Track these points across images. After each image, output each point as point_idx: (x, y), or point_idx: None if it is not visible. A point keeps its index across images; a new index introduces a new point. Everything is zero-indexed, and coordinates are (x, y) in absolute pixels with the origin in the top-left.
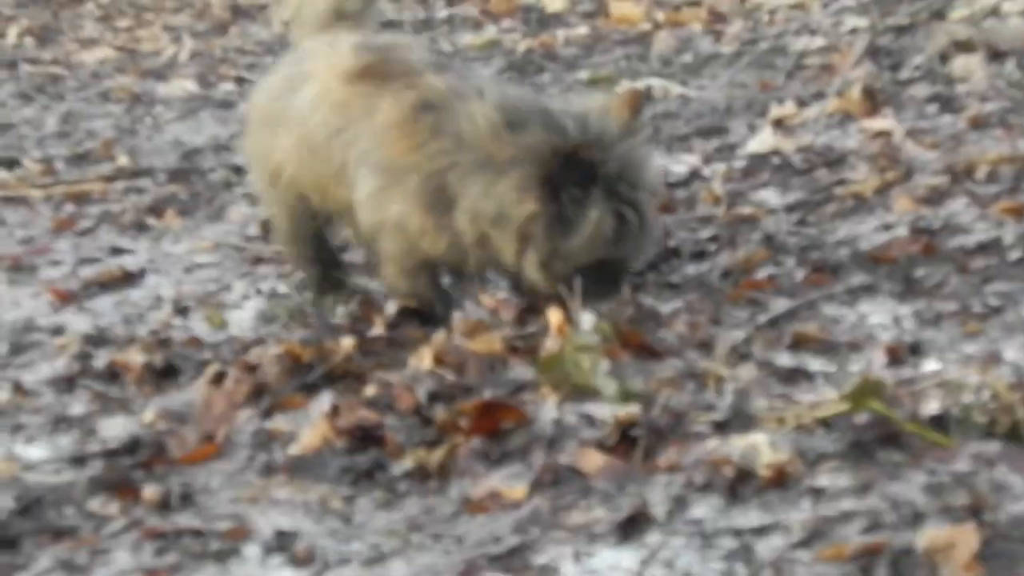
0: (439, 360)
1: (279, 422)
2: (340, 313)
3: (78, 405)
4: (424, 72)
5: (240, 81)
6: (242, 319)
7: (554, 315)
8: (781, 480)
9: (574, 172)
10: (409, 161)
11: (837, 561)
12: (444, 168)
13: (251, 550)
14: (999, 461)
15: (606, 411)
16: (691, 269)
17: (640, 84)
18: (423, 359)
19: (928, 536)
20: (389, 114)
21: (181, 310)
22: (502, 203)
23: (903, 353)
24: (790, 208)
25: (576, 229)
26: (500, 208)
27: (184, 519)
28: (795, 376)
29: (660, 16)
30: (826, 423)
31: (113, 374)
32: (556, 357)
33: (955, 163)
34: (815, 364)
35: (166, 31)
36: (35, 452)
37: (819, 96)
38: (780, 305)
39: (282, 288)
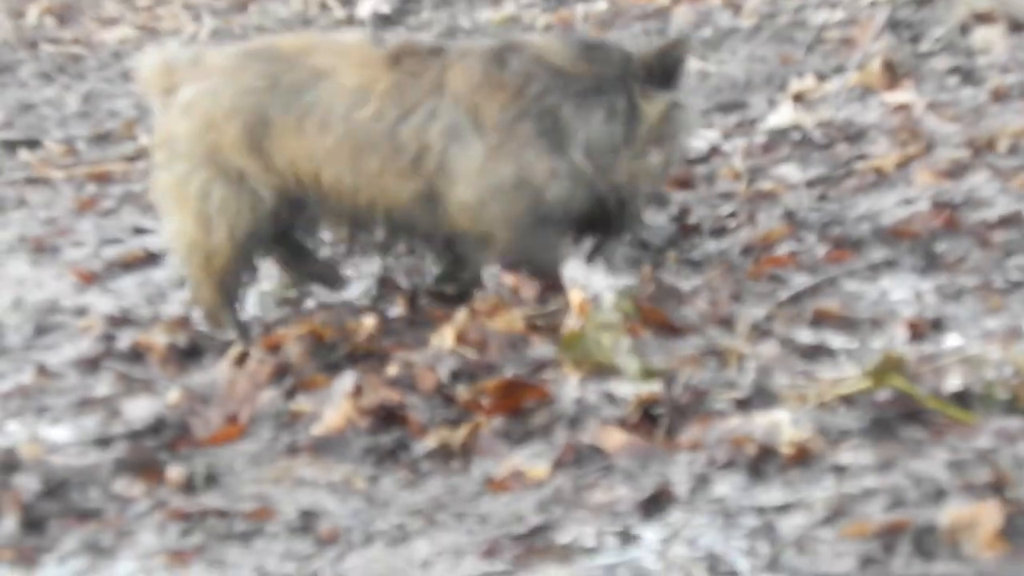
0: (461, 339)
1: (302, 402)
2: (361, 293)
3: (102, 386)
4: (447, 43)
5: None
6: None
7: (575, 293)
8: (803, 457)
9: (660, 75)
10: (514, 110)
11: (860, 538)
12: (556, 103)
13: (275, 530)
14: (1021, 437)
15: (628, 389)
16: (712, 246)
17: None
18: (445, 338)
19: (951, 513)
20: (466, 77)
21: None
22: (633, 113)
23: (925, 329)
24: (811, 183)
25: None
26: (631, 119)
27: (209, 500)
28: (816, 353)
29: None
30: (848, 400)
31: (137, 355)
32: (577, 335)
33: (976, 136)
34: (836, 341)
35: (186, 9)
36: (60, 434)
37: (839, 70)
38: (801, 281)
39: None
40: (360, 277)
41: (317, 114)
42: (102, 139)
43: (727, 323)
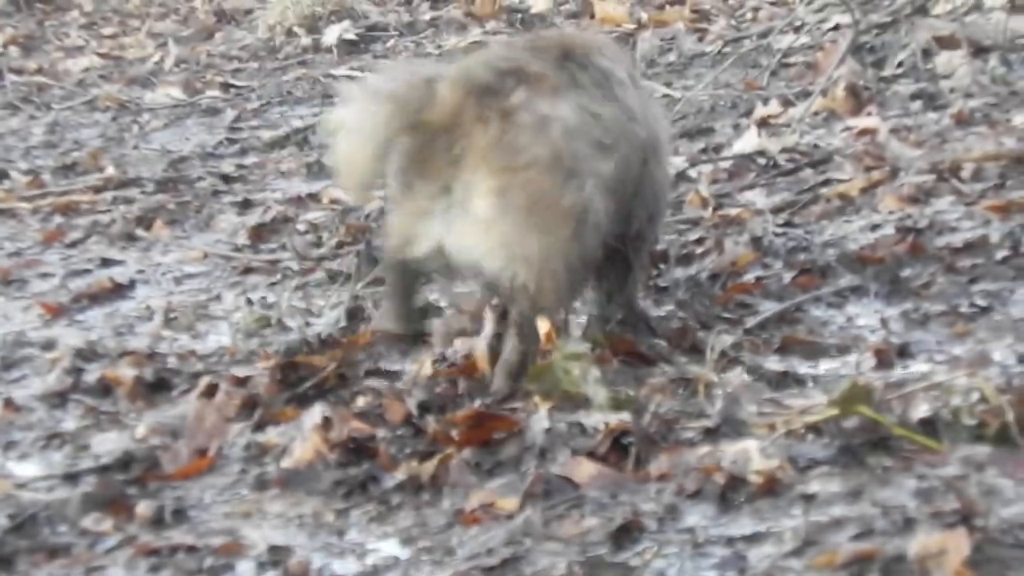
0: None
1: (271, 435)
2: (326, 323)
3: (70, 420)
4: None
5: (226, 87)
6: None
7: (542, 324)
8: (772, 486)
9: None
10: None
11: (829, 569)
12: None
13: (245, 566)
14: (989, 465)
15: (597, 419)
16: (679, 272)
17: None
18: (422, 366)
19: (919, 542)
20: None
21: (171, 321)
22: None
23: (891, 355)
24: (777, 209)
25: None
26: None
27: (178, 535)
28: (784, 380)
29: (644, 16)
30: (816, 428)
31: (105, 388)
32: (545, 366)
33: (940, 161)
34: (804, 368)
35: (151, 37)
36: (28, 469)
37: (804, 95)
38: (768, 307)
39: (272, 297)
40: (329, 307)
41: None
42: (68, 169)
43: (696, 351)
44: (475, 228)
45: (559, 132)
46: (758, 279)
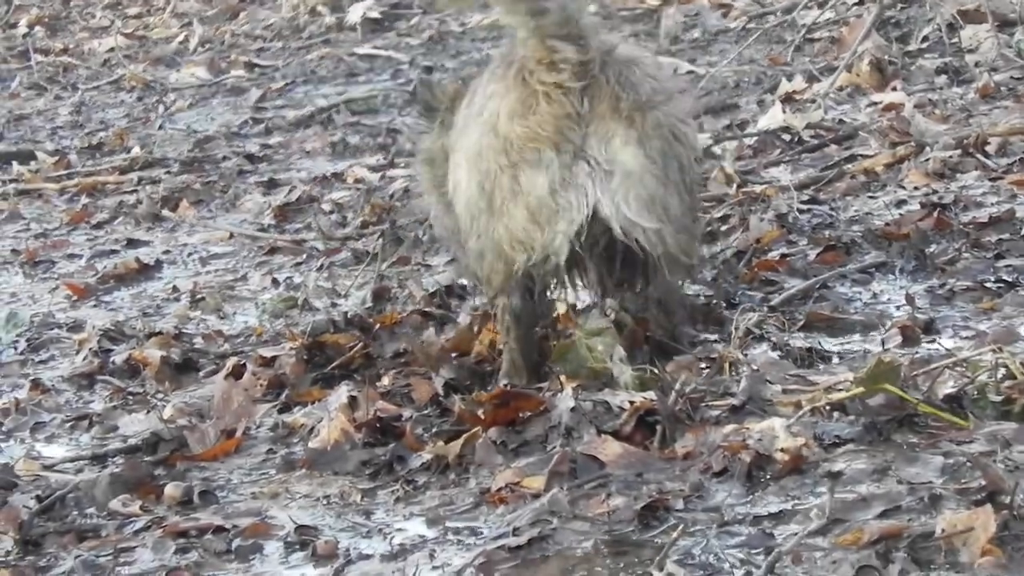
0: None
1: (298, 415)
2: (352, 303)
3: (98, 402)
4: None
5: (251, 67)
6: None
7: (559, 305)
8: (798, 464)
9: None
10: None
11: (855, 547)
12: None
13: (273, 546)
14: (1015, 441)
15: (623, 398)
16: (704, 250)
17: None
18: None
19: (946, 520)
20: None
21: (198, 302)
22: None
23: (917, 332)
24: (801, 185)
25: None
26: None
27: (205, 516)
28: (810, 357)
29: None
30: (842, 406)
31: (132, 369)
32: (569, 345)
33: (966, 136)
34: (830, 344)
35: (176, 17)
36: (56, 450)
37: (829, 70)
38: (793, 284)
39: (297, 278)
40: (356, 287)
41: None
42: (94, 150)
43: (721, 328)
44: (632, 186)
45: (668, 76)
46: (783, 256)
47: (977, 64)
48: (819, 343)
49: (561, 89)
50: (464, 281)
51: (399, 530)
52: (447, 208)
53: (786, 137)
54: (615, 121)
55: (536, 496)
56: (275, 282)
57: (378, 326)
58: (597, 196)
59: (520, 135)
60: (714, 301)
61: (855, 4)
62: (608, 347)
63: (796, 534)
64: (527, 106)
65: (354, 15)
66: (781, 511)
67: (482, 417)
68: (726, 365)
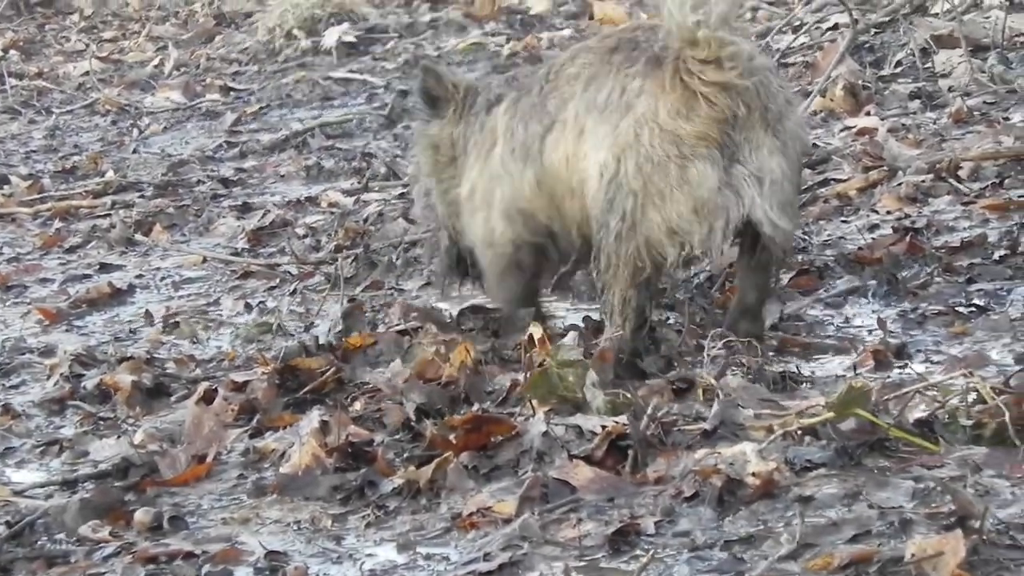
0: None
1: (269, 440)
2: (324, 328)
3: (69, 427)
4: None
5: (226, 90)
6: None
7: (536, 329)
8: (769, 489)
9: None
10: None
11: (826, 571)
12: None
13: (242, 572)
14: (985, 466)
15: (595, 423)
16: (678, 274)
17: None
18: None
19: (916, 545)
20: None
21: (171, 327)
22: None
23: (889, 356)
24: None
25: None
26: None
27: (175, 542)
28: (782, 381)
29: (643, 16)
30: (813, 430)
31: (104, 394)
32: (542, 374)
33: (939, 160)
34: (802, 369)
35: (151, 41)
36: (26, 476)
37: (803, 95)
38: (766, 310)
39: (271, 302)
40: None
41: None
42: (68, 174)
43: (694, 353)
44: (773, 192)
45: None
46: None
47: (950, 89)
48: (792, 367)
49: (723, 90)
50: (436, 262)
51: (369, 555)
52: (444, 193)
53: None
54: (763, 130)
55: (507, 521)
56: (248, 307)
57: (350, 350)
58: (752, 198)
59: (689, 132)
60: (686, 326)
61: (829, 29)
62: (579, 378)
63: (767, 559)
64: (689, 107)
65: (329, 39)
66: (752, 535)
67: (454, 442)
68: (699, 390)
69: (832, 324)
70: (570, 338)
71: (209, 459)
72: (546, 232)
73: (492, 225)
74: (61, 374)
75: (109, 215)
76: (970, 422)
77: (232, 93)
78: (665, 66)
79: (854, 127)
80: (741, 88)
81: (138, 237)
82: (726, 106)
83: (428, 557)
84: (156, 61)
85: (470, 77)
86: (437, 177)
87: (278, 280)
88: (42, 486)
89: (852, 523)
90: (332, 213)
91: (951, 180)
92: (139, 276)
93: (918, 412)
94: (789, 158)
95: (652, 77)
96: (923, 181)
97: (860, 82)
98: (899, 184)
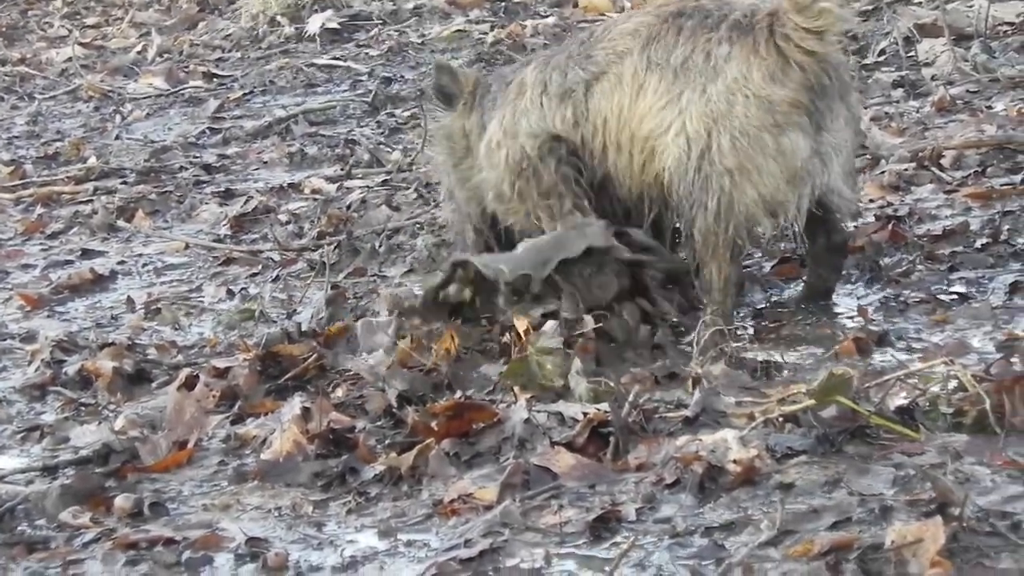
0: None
1: (250, 427)
2: (306, 316)
3: (50, 413)
4: None
5: (209, 77)
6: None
7: (519, 321)
8: (750, 476)
9: None
10: None
11: (806, 558)
12: None
13: (223, 559)
14: (966, 453)
15: (576, 410)
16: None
17: None
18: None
19: (896, 531)
20: None
21: (153, 313)
22: None
23: (870, 343)
24: None
25: None
26: None
27: (156, 528)
28: (765, 368)
29: (628, 4)
30: (795, 417)
31: (85, 380)
32: (521, 362)
33: (921, 149)
34: (784, 356)
35: (134, 27)
36: (7, 462)
37: None
38: (749, 297)
39: (253, 289)
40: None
41: None
42: (50, 160)
43: (677, 339)
44: (845, 162)
45: None
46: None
47: (933, 78)
48: (774, 354)
49: (817, 60)
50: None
51: (350, 542)
52: (463, 182)
53: None
54: (838, 101)
55: (488, 508)
56: (230, 293)
57: (332, 337)
58: (832, 168)
59: (782, 98)
60: (669, 314)
61: None
62: (557, 366)
63: (747, 545)
64: (784, 72)
65: (313, 26)
66: (732, 522)
67: (435, 429)
68: (681, 377)
69: (814, 312)
70: (550, 326)
71: (190, 445)
72: (574, 156)
73: (518, 146)
74: (42, 360)
75: (91, 201)
76: (951, 410)
77: (215, 79)
78: (758, 31)
79: None
80: (832, 61)
81: (120, 223)
82: (815, 74)
83: (409, 543)
84: (139, 47)
85: (476, 72)
86: (455, 166)
87: (260, 267)
88: (23, 472)
89: (832, 510)
90: (315, 200)
91: (934, 168)
92: (121, 262)
93: (899, 400)
94: (854, 131)
95: (741, 43)
96: (906, 169)
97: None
98: (882, 172)
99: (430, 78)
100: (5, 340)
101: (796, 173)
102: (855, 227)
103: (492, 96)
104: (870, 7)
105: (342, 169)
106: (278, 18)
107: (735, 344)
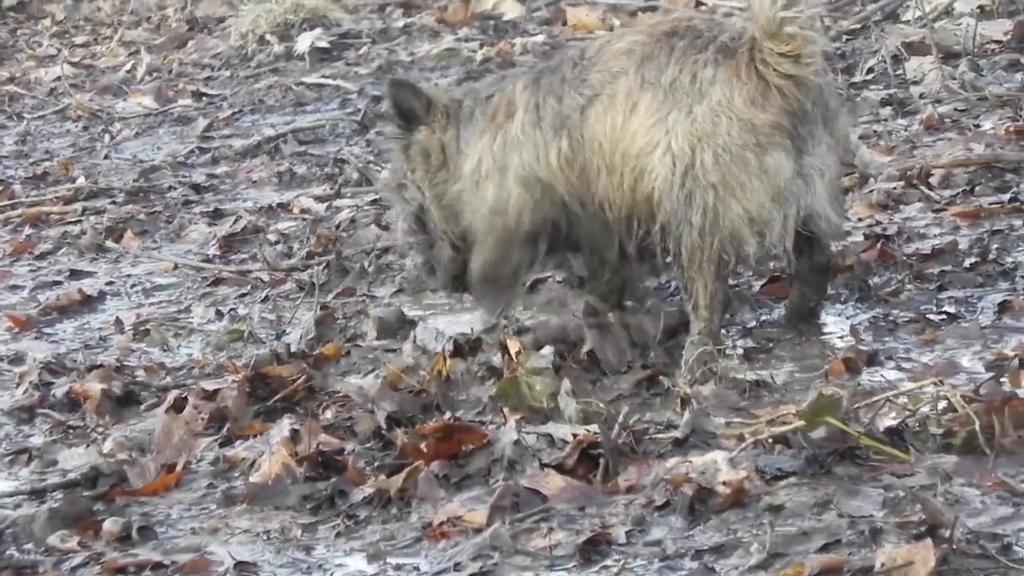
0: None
1: (239, 449)
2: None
3: (38, 435)
4: None
5: (198, 96)
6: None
7: (511, 343)
8: (740, 498)
9: None
10: None
11: None
12: None
13: None
14: (956, 474)
15: (566, 431)
16: (650, 282)
17: None
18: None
19: (886, 554)
20: None
21: (141, 335)
22: None
23: (860, 363)
24: None
25: None
26: None
27: (144, 552)
28: (754, 389)
29: (616, 23)
30: (784, 439)
31: (73, 403)
32: (512, 382)
33: (910, 167)
34: (773, 376)
35: (123, 46)
36: None
37: None
38: (739, 316)
39: (242, 309)
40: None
41: None
42: (39, 179)
43: (667, 360)
44: (829, 185)
45: None
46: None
47: (922, 96)
48: (762, 375)
49: (796, 85)
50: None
51: (339, 566)
52: (438, 198)
53: None
54: (821, 127)
55: (478, 530)
56: (219, 314)
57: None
58: (818, 190)
59: (764, 121)
60: (657, 334)
61: None
62: (547, 386)
63: (737, 568)
64: (764, 97)
65: (302, 44)
66: (722, 545)
67: (424, 451)
68: (671, 397)
69: (804, 331)
70: (547, 351)
71: (179, 468)
72: (562, 208)
73: (506, 190)
74: (30, 382)
75: (80, 221)
76: (940, 430)
77: (204, 98)
78: (739, 55)
79: None
80: (812, 85)
81: (109, 244)
82: (796, 99)
83: (398, 567)
84: (128, 66)
85: (439, 88)
86: (430, 182)
87: (249, 287)
88: (10, 495)
89: (822, 532)
90: (304, 219)
91: (922, 187)
92: (110, 283)
93: (889, 420)
94: (839, 156)
95: (725, 66)
96: (894, 188)
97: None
98: (870, 191)
99: (386, 98)
100: None
101: (780, 192)
102: (844, 246)
103: (467, 111)
104: (858, 25)
105: (331, 188)
106: (267, 37)
107: (724, 364)
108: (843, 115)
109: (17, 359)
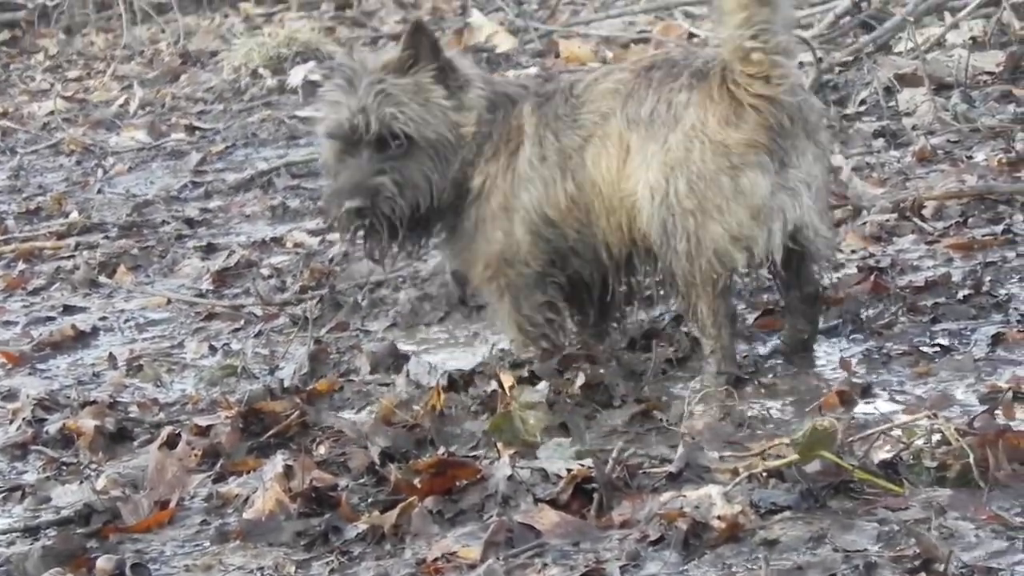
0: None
1: (232, 485)
2: (289, 372)
3: (31, 472)
4: None
5: (191, 129)
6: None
7: (505, 377)
8: (735, 532)
9: None
10: None
11: None
12: None
13: None
14: (950, 508)
15: (560, 466)
16: (642, 315)
17: None
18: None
19: None
20: None
21: (134, 371)
22: None
23: (853, 396)
24: None
25: None
26: None
27: None
28: (748, 422)
29: (609, 55)
30: (779, 472)
31: (66, 439)
32: (505, 417)
33: (903, 199)
34: (767, 409)
35: (116, 80)
36: None
37: None
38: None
39: (235, 344)
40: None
41: None
42: (32, 215)
43: (659, 394)
44: (816, 198)
45: None
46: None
47: (914, 127)
48: (756, 408)
49: (770, 103)
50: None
51: None
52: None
53: None
54: (805, 139)
55: (472, 566)
56: (212, 349)
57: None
58: (805, 202)
59: (738, 140)
60: (650, 368)
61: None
62: (540, 420)
63: None
64: (738, 115)
65: (295, 78)
66: None
67: (418, 486)
68: (665, 432)
69: (797, 363)
70: (542, 385)
71: (172, 505)
72: (568, 250)
73: (515, 239)
74: (23, 418)
75: (73, 256)
76: (935, 464)
77: (197, 132)
78: (712, 76)
79: None
80: (786, 103)
81: (102, 279)
82: (773, 114)
83: None
84: (121, 100)
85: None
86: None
87: (243, 322)
88: (3, 533)
89: (817, 567)
90: (297, 253)
91: (915, 219)
92: (103, 318)
93: (883, 453)
94: (825, 167)
95: (699, 89)
96: (887, 220)
97: (824, 120)
98: (863, 223)
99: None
100: None
101: (759, 209)
102: (837, 279)
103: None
104: (850, 57)
105: (324, 222)
106: (260, 70)
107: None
108: (825, 128)
109: (10, 395)
